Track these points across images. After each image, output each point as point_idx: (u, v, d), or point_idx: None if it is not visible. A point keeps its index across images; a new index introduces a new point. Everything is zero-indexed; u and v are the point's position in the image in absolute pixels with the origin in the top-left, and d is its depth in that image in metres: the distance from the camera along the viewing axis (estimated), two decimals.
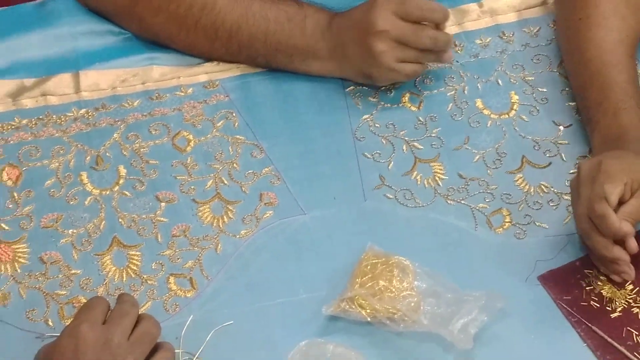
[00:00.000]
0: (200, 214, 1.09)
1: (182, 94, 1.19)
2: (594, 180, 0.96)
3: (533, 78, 1.21)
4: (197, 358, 0.96)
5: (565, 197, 1.10)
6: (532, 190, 1.11)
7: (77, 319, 0.90)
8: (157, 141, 1.15)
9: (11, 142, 1.14)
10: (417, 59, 1.14)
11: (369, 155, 1.14)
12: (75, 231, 1.07)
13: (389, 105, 1.19)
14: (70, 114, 1.17)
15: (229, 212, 1.09)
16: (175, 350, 0.96)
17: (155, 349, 0.92)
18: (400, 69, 1.13)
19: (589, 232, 0.97)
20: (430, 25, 1.13)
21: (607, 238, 0.96)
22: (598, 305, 1.01)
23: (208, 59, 1.21)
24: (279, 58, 1.18)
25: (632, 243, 0.96)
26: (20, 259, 1.05)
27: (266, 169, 1.13)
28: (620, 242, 0.97)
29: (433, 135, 1.16)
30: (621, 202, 0.96)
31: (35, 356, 0.90)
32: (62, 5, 1.24)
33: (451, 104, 1.19)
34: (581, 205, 0.97)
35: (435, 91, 1.20)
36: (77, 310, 0.94)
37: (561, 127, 1.17)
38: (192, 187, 1.11)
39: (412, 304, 0.98)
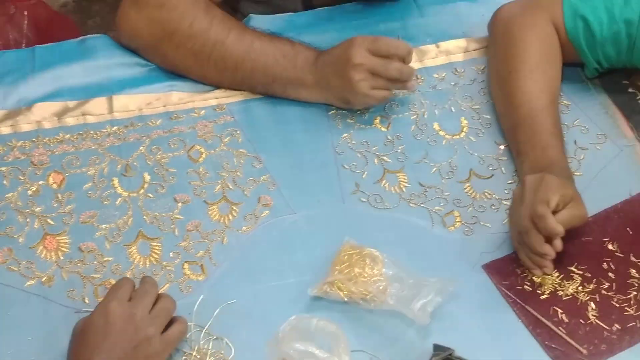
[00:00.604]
0: (210, 212, 1.08)
1: (196, 115, 1.19)
2: (538, 189, 0.98)
3: (479, 107, 1.21)
4: (206, 329, 0.96)
5: (505, 202, 1.10)
6: (477, 196, 1.11)
7: (107, 297, 0.90)
8: (175, 153, 1.14)
9: (56, 152, 1.13)
10: (386, 86, 1.13)
11: (347, 167, 1.14)
12: (107, 226, 1.06)
13: (363, 126, 1.19)
14: (105, 130, 1.16)
15: (233, 212, 1.08)
16: (188, 323, 0.95)
17: (172, 322, 0.91)
18: (372, 95, 1.13)
19: (529, 229, 0.97)
20: (398, 59, 1.13)
21: (543, 235, 0.97)
22: (530, 289, 1.01)
23: (217, 87, 1.20)
24: (275, 87, 1.17)
25: (559, 242, 0.97)
26: (62, 248, 1.04)
27: (264, 177, 1.12)
28: (549, 242, 0.98)
29: (399, 151, 1.16)
30: (555, 212, 0.97)
31: (73, 328, 0.90)
32: (99, 41, 1.23)
33: (414, 126, 1.19)
34: (525, 208, 0.98)
35: (401, 115, 1.20)
36: (108, 290, 0.93)
37: (501, 147, 1.16)
38: (204, 190, 1.10)
39: (381, 287, 0.98)
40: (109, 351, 0.85)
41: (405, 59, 1.13)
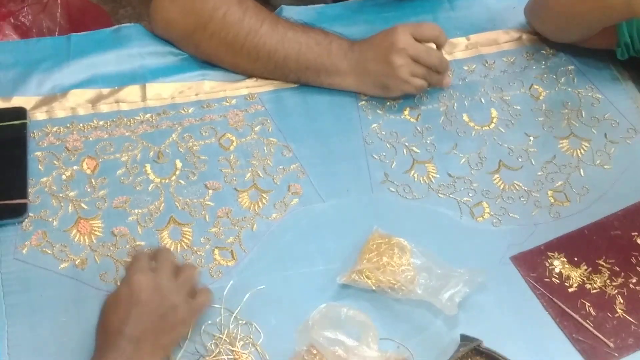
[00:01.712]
0: (240, 199, 1.08)
1: (228, 104, 1.19)
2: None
3: (509, 98, 1.21)
4: (236, 314, 0.96)
5: (534, 194, 1.09)
6: (506, 187, 1.11)
7: (129, 271, 0.90)
8: (206, 141, 1.15)
9: (90, 139, 1.14)
10: (424, 75, 1.14)
11: (376, 157, 1.14)
12: (140, 211, 1.07)
13: (392, 116, 1.18)
14: (138, 118, 1.16)
15: (263, 199, 1.09)
16: (219, 307, 0.96)
17: (196, 292, 0.92)
18: (412, 81, 1.13)
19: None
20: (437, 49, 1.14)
21: None
22: (558, 282, 1.01)
23: (249, 76, 1.21)
24: (308, 74, 1.17)
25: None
26: (95, 232, 1.04)
27: (294, 166, 1.12)
28: None
29: (428, 141, 1.16)
30: None
31: (102, 306, 0.90)
32: (133, 30, 1.24)
33: (443, 117, 1.19)
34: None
35: (430, 106, 1.19)
36: (126, 266, 0.94)
37: (531, 138, 1.16)
38: (234, 178, 1.11)
39: (409, 277, 0.98)
40: (136, 321, 0.86)
41: (441, 48, 1.15)
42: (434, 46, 1.14)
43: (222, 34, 1.15)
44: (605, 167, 1.12)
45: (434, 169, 1.12)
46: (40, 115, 1.16)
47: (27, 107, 1.15)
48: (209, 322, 0.96)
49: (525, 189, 1.10)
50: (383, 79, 1.14)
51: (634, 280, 1.00)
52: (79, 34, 1.24)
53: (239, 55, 1.17)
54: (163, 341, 0.88)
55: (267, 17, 1.16)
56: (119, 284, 0.99)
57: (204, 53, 1.19)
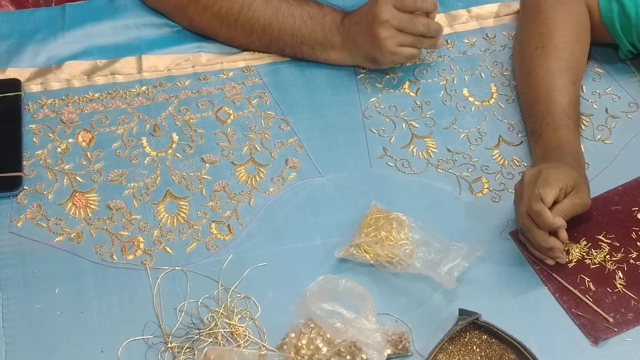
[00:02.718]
0: (237, 173, 1.08)
1: (225, 76, 1.18)
2: (535, 184, 0.95)
3: (509, 73, 1.19)
4: (234, 288, 0.96)
5: None
6: (506, 163, 1.10)
7: None
8: (203, 114, 1.14)
9: (86, 111, 1.13)
10: (413, 43, 1.12)
11: (374, 131, 1.13)
12: (136, 184, 1.06)
13: (392, 90, 1.17)
14: (134, 90, 1.15)
15: (260, 173, 1.08)
16: (215, 280, 0.95)
17: None
18: (400, 52, 1.11)
19: (529, 227, 0.95)
20: (423, 15, 1.11)
21: (544, 231, 0.95)
22: None
23: (245, 49, 1.19)
24: (303, 49, 1.16)
25: (563, 234, 0.95)
26: (91, 205, 1.04)
27: (291, 139, 1.11)
28: (555, 234, 0.95)
29: (427, 116, 1.15)
30: (557, 202, 0.95)
31: None
32: (129, 1, 1.22)
33: (442, 92, 1.17)
34: (523, 205, 0.95)
35: (430, 80, 1.18)
36: None
37: None
38: (231, 152, 1.10)
39: (408, 251, 0.97)
40: None
41: (430, 14, 1.11)
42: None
43: (215, 7, 1.14)
44: (606, 142, 1.11)
45: (433, 144, 1.11)
46: (35, 87, 1.14)
47: (22, 78, 1.14)
48: (206, 295, 0.95)
49: (525, 164, 1.09)
50: (371, 52, 1.13)
51: (634, 256, 1.00)
52: (73, 3, 1.22)
53: (233, 30, 1.15)
54: None
55: None
56: (114, 257, 0.99)
57: (198, 27, 1.18)
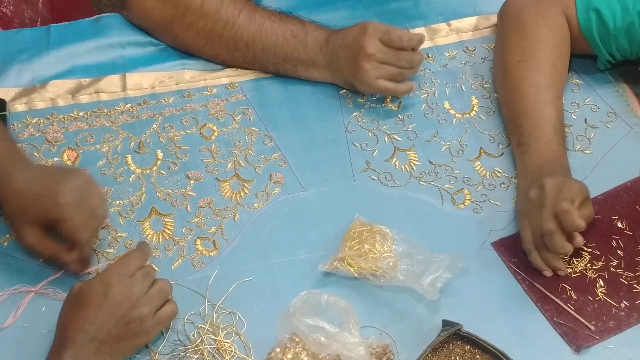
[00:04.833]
0: (222, 189, 1.08)
1: (208, 93, 1.19)
2: (560, 191, 0.96)
3: (490, 85, 1.21)
4: (219, 304, 0.96)
5: (514, 181, 1.09)
6: (487, 174, 1.11)
7: (110, 272, 0.90)
8: (187, 131, 1.14)
9: (70, 129, 1.13)
10: (394, 76, 1.13)
11: (357, 145, 1.14)
12: (121, 202, 1.06)
13: (374, 105, 1.18)
14: (118, 108, 1.16)
15: (245, 189, 1.09)
16: (203, 297, 0.96)
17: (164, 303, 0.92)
18: (375, 85, 1.13)
19: (552, 231, 0.96)
20: (408, 49, 1.13)
21: (568, 233, 0.96)
22: None
23: (229, 66, 1.20)
24: (286, 67, 1.17)
25: (579, 238, 0.97)
26: None
27: (275, 155, 1.12)
28: (570, 240, 0.97)
29: (409, 129, 1.16)
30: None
31: (70, 289, 0.90)
32: (113, 20, 1.23)
33: (424, 105, 1.19)
34: (547, 210, 0.96)
35: (412, 94, 1.19)
36: (114, 262, 0.94)
37: None
38: (216, 168, 1.10)
39: (391, 264, 0.98)
40: (102, 323, 0.86)
41: (415, 48, 1.13)
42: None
43: (200, 24, 1.15)
44: (585, 152, 1.13)
45: (415, 157, 1.12)
46: (19, 106, 1.15)
47: (7, 98, 1.15)
48: (192, 312, 0.96)
49: (507, 175, 1.10)
50: (351, 80, 1.15)
51: (614, 264, 1.01)
52: (58, 24, 1.23)
53: (217, 46, 1.16)
54: (123, 347, 0.88)
55: (245, 6, 1.16)
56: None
57: (183, 44, 1.19)
